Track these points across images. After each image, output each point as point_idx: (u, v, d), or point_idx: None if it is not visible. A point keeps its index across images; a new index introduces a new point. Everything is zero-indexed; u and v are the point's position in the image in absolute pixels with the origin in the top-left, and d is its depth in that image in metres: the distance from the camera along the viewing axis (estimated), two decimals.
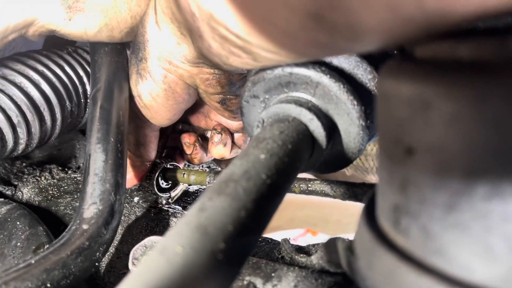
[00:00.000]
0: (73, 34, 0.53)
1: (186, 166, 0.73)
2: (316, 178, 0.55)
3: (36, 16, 0.51)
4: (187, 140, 0.64)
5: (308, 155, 0.40)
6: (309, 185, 0.54)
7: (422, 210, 0.19)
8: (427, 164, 0.19)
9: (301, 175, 0.49)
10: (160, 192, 0.64)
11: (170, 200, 0.65)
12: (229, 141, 0.64)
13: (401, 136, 0.20)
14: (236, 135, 0.66)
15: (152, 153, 0.62)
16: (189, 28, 0.40)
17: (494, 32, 0.21)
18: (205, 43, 0.37)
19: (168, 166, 0.64)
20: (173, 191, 0.66)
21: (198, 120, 0.66)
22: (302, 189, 0.54)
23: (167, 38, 0.47)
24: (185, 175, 0.62)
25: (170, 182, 0.66)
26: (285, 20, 0.24)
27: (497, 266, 0.18)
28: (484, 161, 0.17)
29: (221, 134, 0.63)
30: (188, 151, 0.64)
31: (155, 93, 0.53)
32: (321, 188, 0.53)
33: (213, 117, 0.64)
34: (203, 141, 0.66)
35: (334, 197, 0.52)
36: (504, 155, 0.16)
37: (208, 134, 0.67)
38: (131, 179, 0.62)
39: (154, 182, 0.63)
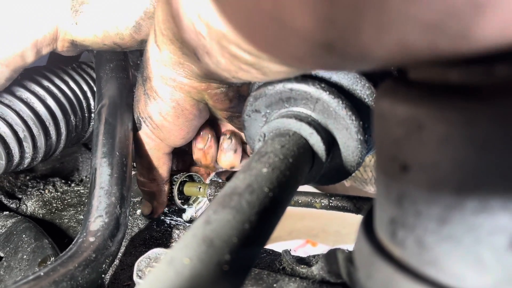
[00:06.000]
0: (87, 40, 0.54)
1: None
2: (333, 193, 0.54)
3: (55, 26, 0.52)
4: (202, 131, 0.60)
5: (309, 168, 0.41)
6: (331, 201, 0.53)
7: (417, 223, 0.21)
8: (421, 180, 0.20)
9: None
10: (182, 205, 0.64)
11: (195, 214, 0.65)
12: (239, 148, 0.61)
13: (396, 154, 0.21)
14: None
15: (166, 175, 0.61)
16: (193, 46, 0.40)
17: (482, 59, 0.23)
18: (213, 59, 0.37)
19: (183, 179, 0.64)
20: (197, 203, 0.66)
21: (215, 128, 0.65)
22: (323, 204, 0.54)
23: (168, 58, 0.47)
24: (201, 189, 0.62)
25: (184, 195, 0.65)
26: (294, 47, 0.24)
27: (487, 276, 0.19)
28: (473, 179, 0.18)
29: (231, 140, 0.60)
30: (202, 143, 0.60)
31: (164, 112, 0.52)
32: (343, 204, 0.53)
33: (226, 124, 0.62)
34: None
35: (357, 213, 0.51)
36: (491, 174, 0.18)
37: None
38: (156, 210, 0.61)
39: (176, 198, 0.63)
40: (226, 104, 0.52)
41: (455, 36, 0.17)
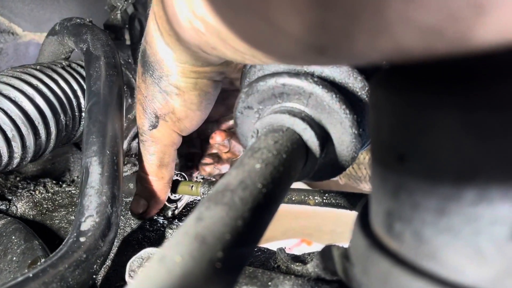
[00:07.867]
0: None
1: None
2: (328, 190, 0.54)
3: None
4: (219, 138, 0.61)
5: (303, 164, 0.41)
6: (325, 198, 0.53)
7: (414, 215, 0.20)
8: (418, 171, 0.19)
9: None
10: (169, 203, 0.63)
11: (176, 211, 0.64)
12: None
13: (393, 144, 0.20)
14: None
15: (173, 172, 0.60)
16: (196, 44, 0.39)
17: None
18: (219, 52, 0.37)
19: (175, 178, 0.63)
20: (179, 202, 0.65)
21: (217, 111, 0.64)
22: (317, 201, 0.53)
23: (184, 56, 0.47)
24: (193, 188, 0.61)
25: (178, 194, 0.64)
26: (285, 47, 0.24)
27: (487, 267, 0.18)
28: (471, 167, 0.18)
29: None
30: (225, 150, 0.62)
31: (189, 101, 0.52)
32: (337, 201, 0.52)
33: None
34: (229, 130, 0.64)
35: (351, 209, 0.51)
36: (490, 162, 0.17)
37: (230, 121, 0.66)
38: (150, 210, 0.60)
39: (171, 196, 0.62)
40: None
41: (453, 38, 0.16)
